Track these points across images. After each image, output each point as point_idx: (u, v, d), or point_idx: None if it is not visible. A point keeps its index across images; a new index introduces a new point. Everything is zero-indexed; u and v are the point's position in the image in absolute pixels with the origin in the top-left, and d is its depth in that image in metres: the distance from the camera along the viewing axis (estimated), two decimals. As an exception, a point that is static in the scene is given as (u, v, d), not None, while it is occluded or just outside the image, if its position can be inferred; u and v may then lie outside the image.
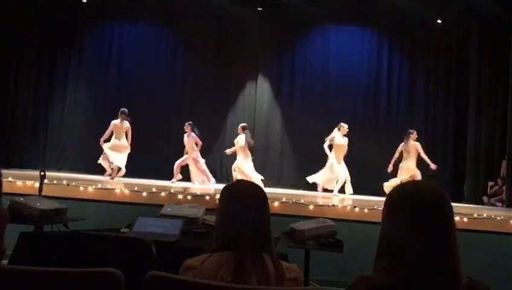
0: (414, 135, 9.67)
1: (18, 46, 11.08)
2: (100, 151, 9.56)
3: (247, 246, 1.81)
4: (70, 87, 11.63)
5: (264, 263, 1.80)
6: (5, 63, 10.97)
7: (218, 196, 6.46)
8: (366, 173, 10.74)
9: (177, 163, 9.84)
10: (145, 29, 11.86)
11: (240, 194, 1.95)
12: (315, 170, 10.23)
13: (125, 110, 9.63)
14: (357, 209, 6.61)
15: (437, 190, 1.46)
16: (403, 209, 1.43)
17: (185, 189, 7.80)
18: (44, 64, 11.47)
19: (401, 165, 9.66)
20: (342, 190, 9.67)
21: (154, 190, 7.08)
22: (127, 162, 9.60)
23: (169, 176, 9.80)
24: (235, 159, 10.14)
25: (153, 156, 10.79)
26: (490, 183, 10.41)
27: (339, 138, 9.66)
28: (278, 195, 7.61)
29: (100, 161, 9.58)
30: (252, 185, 2.08)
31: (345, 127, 9.67)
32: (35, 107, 11.34)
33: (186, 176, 10.00)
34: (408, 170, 9.50)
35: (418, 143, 9.65)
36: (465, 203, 9.87)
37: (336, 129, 9.72)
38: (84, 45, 11.77)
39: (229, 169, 10.60)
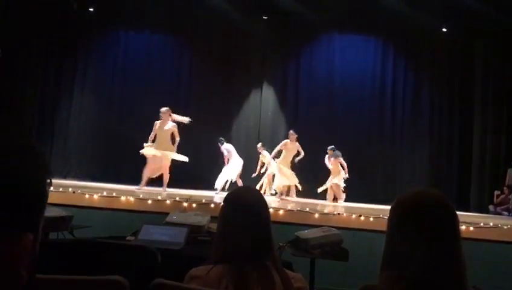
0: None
1: (24, 54, 11.16)
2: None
3: (247, 255, 1.79)
4: (76, 94, 11.70)
5: (269, 273, 1.78)
6: (12, 71, 11.04)
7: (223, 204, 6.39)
8: (371, 181, 10.71)
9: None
10: (150, 38, 11.92)
11: (237, 202, 1.92)
12: (320, 177, 10.22)
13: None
14: (362, 217, 6.58)
15: (442, 198, 1.45)
16: (408, 219, 1.43)
17: (190, 197, 7.80)
18: (50, 72, 11.54)
19: None
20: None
21: (159, 197, 7.08)
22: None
23: (174, 183, 9.78)
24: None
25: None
26: (496, 193, 10.36)
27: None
28: (283, 203, 7.60)
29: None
30: (251, 191, 2.03)
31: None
32: (41, 114, 11.41)
33: (187, 181, 10.00)
34: None
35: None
36: (471, 212, 9.81)
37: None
38: (90, 53, 11.84)
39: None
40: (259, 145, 10.45)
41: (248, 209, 1.87)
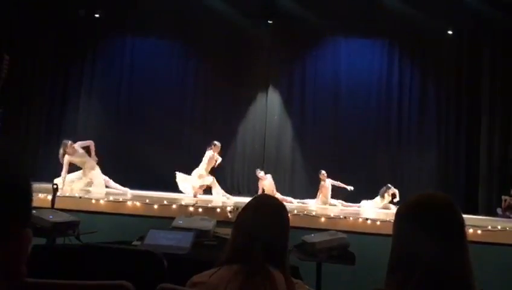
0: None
1: (32, 59, 11.23)
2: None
3: (255, 259, 1.79)
4: (83, 100, 11.74)
5: (273, 278, 1.78)
6: (19, 76, 11.10)
7: (228, 209, 6.40)
8: (377, 185, 10.67)
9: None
10: (156, 43, 11.96)
11: (254, 207, 1.94)
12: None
13: None
14: (369, 221, 6.57)
15: (447, 201, 1.45)
16: (414, 221, 1.43)
17: (196, 201, 7.81)
18: (57, 77, 11.58)
19: None
20: None
21: (165, 202, 7.09)
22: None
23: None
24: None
25: (164, 168, 10.81)
26: (504, 197, 10.25)
27: None
28: (289, 207, 7.58)
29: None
30: (271, 198, 2.09)
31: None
32: (49, 120, 11.45)
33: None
34: None
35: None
36: (479, 215, 9.75)
37: None
38: (97, 58, 11.89)
39: (240, 181, 10.60)
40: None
41: (261, 213, 1.89)
